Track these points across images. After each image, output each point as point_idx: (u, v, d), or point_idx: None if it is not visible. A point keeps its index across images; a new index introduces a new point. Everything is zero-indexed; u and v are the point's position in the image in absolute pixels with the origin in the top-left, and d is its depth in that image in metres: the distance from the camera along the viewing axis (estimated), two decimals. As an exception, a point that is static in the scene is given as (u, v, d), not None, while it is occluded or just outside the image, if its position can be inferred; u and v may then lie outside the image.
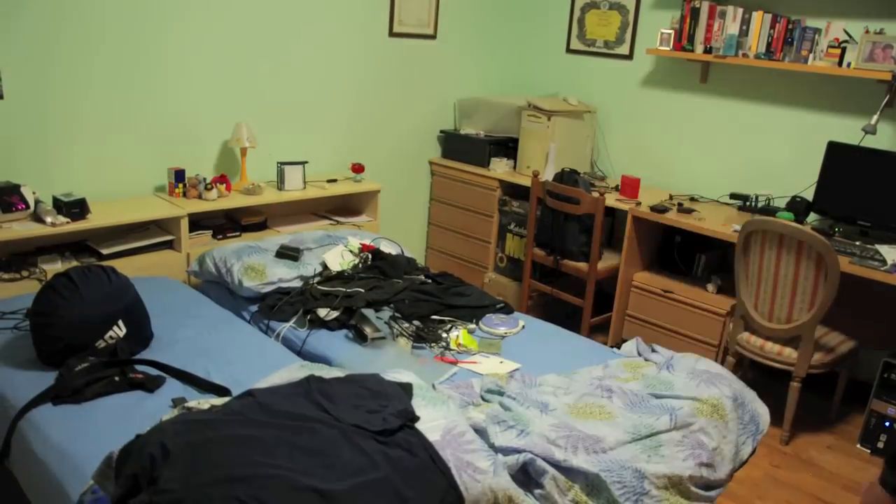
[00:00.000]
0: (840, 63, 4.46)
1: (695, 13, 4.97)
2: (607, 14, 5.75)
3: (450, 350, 3.44)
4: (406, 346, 3.44)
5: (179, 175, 4.46)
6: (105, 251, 4.08)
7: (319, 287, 3.87)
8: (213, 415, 2.36)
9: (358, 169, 5.24)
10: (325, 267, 4.08)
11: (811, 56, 4.59)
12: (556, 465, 2.46)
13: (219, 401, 2.58)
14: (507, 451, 2.50)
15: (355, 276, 4.02)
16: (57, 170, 4.13)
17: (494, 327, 3.68)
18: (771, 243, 3.97)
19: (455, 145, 6.02)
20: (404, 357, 3.33)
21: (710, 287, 4.71)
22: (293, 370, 2.83)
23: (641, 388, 2.99)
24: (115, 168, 4.36)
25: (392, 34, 5.54)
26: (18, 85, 3.90)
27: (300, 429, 2.30)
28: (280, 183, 4.84)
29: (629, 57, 5.66)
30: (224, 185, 4.52)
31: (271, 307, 3.76)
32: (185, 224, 4.27)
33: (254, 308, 3.83)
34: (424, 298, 3.84)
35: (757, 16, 4.72)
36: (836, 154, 4.53)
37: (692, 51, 5.06)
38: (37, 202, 3.90)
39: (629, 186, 5.14)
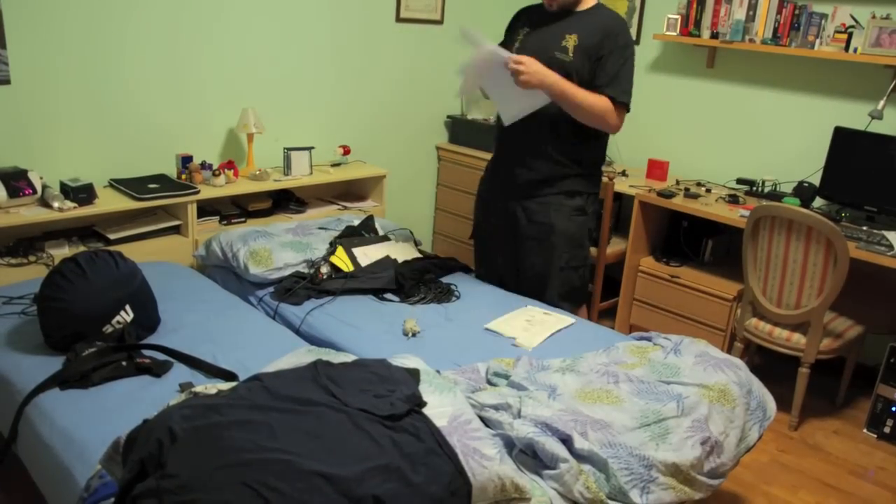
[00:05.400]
0: (846, 48, 4.44)
1: (702, -2, 4.97)
2: (614, 0, 5.73)
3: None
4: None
5: (187, 161, 4.46)
6: (112, 236, 4.08)
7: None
8: (220, 399, 2.37)
9: (346, 151, 5.31)
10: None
11: (818, 41, 4.57)
12: (567, 449, 2.46)
13: (226, 386, 2.58)
14: (511, 437, 2.51)
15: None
16: (64, 155, 4.14)
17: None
18: (780, 229, 3.96)
19: (462, 131, 6.01)
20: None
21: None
22: (300, 355, 2.84)
23: (648, 373, 2.98)
24: (123, 153, 4.37)
25: (399, 19, 5.53)
26: (26, 70, 3.90)
27: (307, 413, 2.30)
28: (286, 168, 4.84)
29: (636, 42, 5.64)
30: (232, 171, 4.53)
31: (287, 290, 3.78)
32: (192, 209, 4.27)
33: (261, 293, 3.84)
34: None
35: (763, 1, 4.70)
36: (843, 139, 4.52)
37: (699, 36, 5.04)
38: (44, 187, 3.90)
39: (658, 169, 5.18)
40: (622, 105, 3.59)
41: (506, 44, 3.81)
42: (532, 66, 3.36)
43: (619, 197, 5.33)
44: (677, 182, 5.18)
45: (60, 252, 3.92)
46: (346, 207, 5.16)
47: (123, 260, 3.21)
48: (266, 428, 2.20)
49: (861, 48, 4.36)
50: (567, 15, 3.66)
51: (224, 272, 4.10)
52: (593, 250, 4.92)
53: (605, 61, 3.56)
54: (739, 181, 5.05)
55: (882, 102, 4.25)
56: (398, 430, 2.30)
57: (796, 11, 4.62)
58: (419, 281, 3.94)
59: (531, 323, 3.56)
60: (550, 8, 3.66)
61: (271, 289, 3.86)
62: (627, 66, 3.60)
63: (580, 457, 2.45)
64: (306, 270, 3.94)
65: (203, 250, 4.19)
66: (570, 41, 3.59)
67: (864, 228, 4.28)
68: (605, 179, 4.68)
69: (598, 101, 3.53)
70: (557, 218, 3.80)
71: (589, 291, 4.08)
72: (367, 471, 2.10)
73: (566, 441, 2.47)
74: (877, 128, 4.43)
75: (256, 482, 1.99)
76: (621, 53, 3.58)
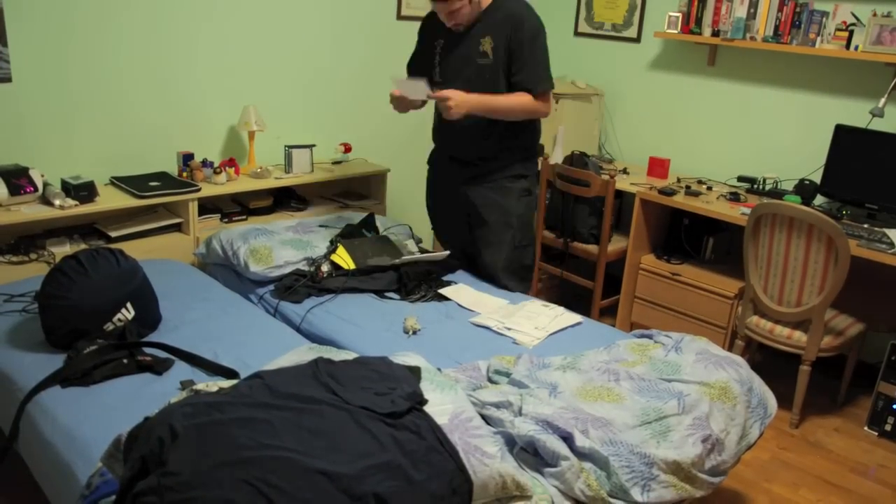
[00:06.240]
0: (847, 46, 4.43)
1: (703, -5, 4.97)
2: (615, -3, 5.73)
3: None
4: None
5: (188, 159, 4.46)
6: (113, 234, 4.08)
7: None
8: (221, 397, 2.37)
9: (348, 148, 5.30)
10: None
11: (819, 39, 4.57)
12: (568, 447, 2.46)
13: (227, 383, 2.58)
14: (512, 435, 2.51)
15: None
16: (65, 152, 4.14)
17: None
18: (781, 227, 3.96)
19: (462, 128, 5.98)
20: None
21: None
22: (302, 353, 2.84)
23: (649, 371, 2.98)
24: (124, 151, 4.36)
25: (400, 17, 5.52)
26: (27, 68, 3.90)
27: (308, 411, 2.30)
28: (287, 166, 4.84)
29: (637, 40, 5.64)
30: (233, 168, 4.52)
31: (287, 288, 3.78)
32: (193, 207, 4.27)
33: (262, 291, 3.84)
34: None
35: (765, -2, 4.71)
36: (844, 137, 4.51)
37: (700, 34, 5.04)
38: (45, 185, 3.90)
39: (659, 167, 5.19)
40: (542, 92, 3.80)
41: (422, 47, 4.13)
42: (457, 99, 3.62)
43: (620, 195, 5.33)
44: (678, 180, 5.18)
45: (61, 250, 3.92)
46: (347, 205, 5.16)
47: (124, 258, 3.21)
48: (267, 426, 2.20)
49: (862, 46, 4.36)
50: (476, 20, 3.81)
51: (225, 270, 4.10)
52: (594, 248, 4.93)
53: (516, 54, 3.74)
54: (740, 179, 5.04)
55: (883, 100, 4.25)
56: (399, 428, 2.30)
57: (797, 9, 4.61)
58: (422, 281, 3.94)
59: (531, 319, 3.57)
60: (457, 30, 3.83)
61: (272, 287, 3.86)
62: (538, 53, 3.77)
63: (581, 454, 2.45)
64: (307, 268, 3.94)
65: (204, 248, 4.19)
66: (487, 44, 3.78)
67: (865, 226, 4.28)
68: (605, 177, 4.68)
69: (519, 101, 3.78)
70: (508, 201, 4.04)
71: (532, 268, 4.31)
72: (368, 468, 2.10)
73: (567, 439, 2.47)
74: (878, 126, 4.43)
75: (258, 480, 1.99)
76: (530, 42, 3.73)
